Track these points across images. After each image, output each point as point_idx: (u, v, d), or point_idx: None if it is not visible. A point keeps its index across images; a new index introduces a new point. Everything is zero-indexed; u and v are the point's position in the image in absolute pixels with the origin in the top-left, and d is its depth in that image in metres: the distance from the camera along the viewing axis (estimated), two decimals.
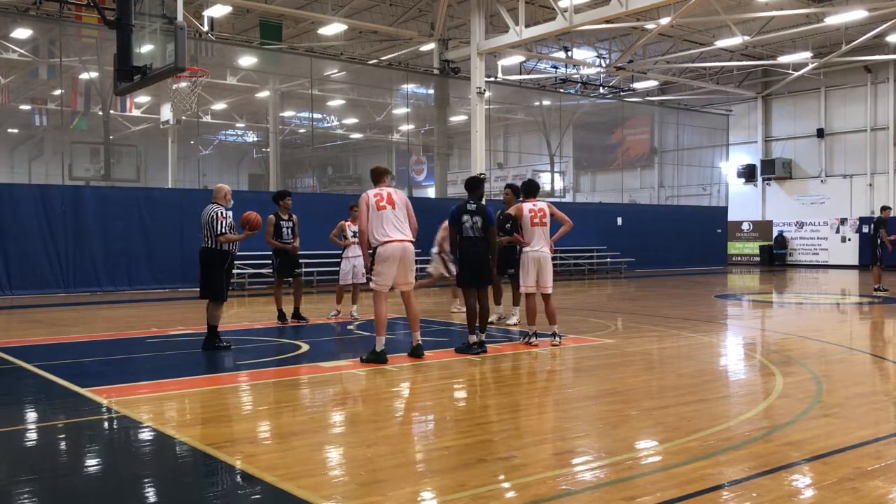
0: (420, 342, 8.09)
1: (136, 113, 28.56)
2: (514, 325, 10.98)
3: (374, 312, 7.93)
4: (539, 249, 8.98)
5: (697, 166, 32.68)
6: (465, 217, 8.47)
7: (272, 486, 4.05)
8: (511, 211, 9.17)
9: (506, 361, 8.23)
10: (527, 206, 9.09)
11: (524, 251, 9.10)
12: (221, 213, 8.70)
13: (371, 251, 7.92)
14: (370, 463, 4.48)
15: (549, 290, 9.07)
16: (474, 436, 5.10)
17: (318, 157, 35.27)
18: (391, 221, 7.85)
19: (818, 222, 30.48)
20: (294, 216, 11.30)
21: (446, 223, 11.91)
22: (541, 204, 9.16)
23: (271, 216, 11.09)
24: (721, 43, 25.01)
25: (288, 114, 30.45)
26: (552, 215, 9.17)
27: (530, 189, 9.40)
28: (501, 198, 11.23)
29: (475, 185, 8.84)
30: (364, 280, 11.97)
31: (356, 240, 11.73)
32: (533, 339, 9.03)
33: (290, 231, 11.17)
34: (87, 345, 9.67)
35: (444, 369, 7.62)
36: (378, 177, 8.16)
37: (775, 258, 31.35)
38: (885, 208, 17.85)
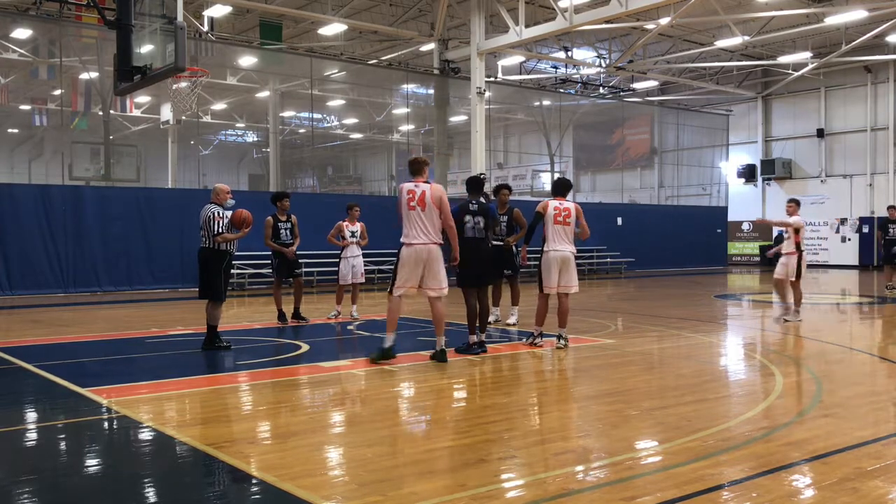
0: (444, 347, 7.89)
1: (136, 113, 28.58)
2: (514, 325, 10.97)
3: (388, 308, 7.82)
4: (561, 249, 8.85)
5: (697, 166, 32.68)
6: (468, 217, 8.45)
7: (272, 486, 4.05)
8: (538, 208, 9.07)
9: (506, 361, 8.23)
10: (553, 204, 8.90)
11: (546, 251, 8.90)
12: (218, 212, 8.69)
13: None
14: (370, 463, 4.48)
15: (571, 291, 8.92)
16: (474, 436, 5.10)
17: (318, 157, 35.27)
18: (417, 224, 7.70)
19: (818, 222, 30.47)
20: (293, 217, 11.28)
21: (799, 219, 11.83)
22: (568, 203, 8.99)
23: (269, 218, 11.07)
24: (721, 43, 25.01)
25: (288, 114, 30.46)
26: (577, 218, 9.05)
27: (559, 188, 9.25)
28: (500, 198, 11.07)
29: (478, 185, 8.82)
30: (363, 280, 12.01)
31: (354, 240, 11.74)
32: (538, 340, 9.01)
33: (288, 232, 11.15)
34: (87, 345, 9.67)
35: (444, 369, 7.61)
36: (415, 169, 7.92)
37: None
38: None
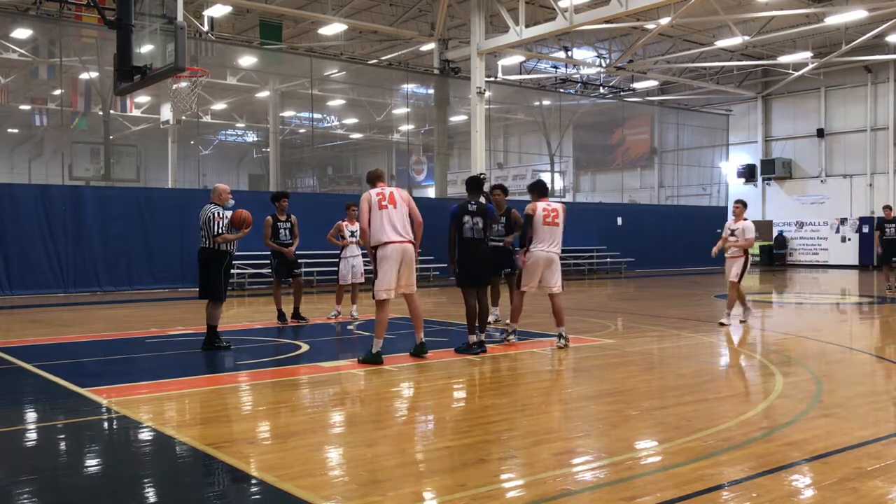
0: (423, 341, 8.11)
1: (136, 113, 28.58)
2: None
3: (376, 315, 7.92)
4: (548, 250, 8.87)
5: (697, 166, 32.68)
6: (466, 217, 8.47)
7: (272, 486, 4.05)
8: (527, 210, 9.10)
9: (506, 361, 8.23)
10: (541, 205, 8.95)
11: (531, 250, 8.92)
12: (218, 213, 8.70)
13: (372, 250, 7.92)
14: (370, 463, 4.48)
15: (556, 291, 8.95)
16: (474, 436, 5.10)
17: (318, 157, 35.27)
18: (391, 222, 7.82)
19: (818, 222, 30.48)
20: (293, 217, 11.28)
21: (748, 224, 10.99)
22: (555, 204, 9.06)
23: (268, 218, 11.08)
24: (721, 43, 25.01)
25: (288, 114, 30.46)
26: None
27: (543, 189, 9.27)
28: (494, 199, 11.05)
29: (478, 185, 8.83)
30: (363, 280, 11.99)
31: (353, 240, 11.73)
32: (512, 338, 9.10)
33: (287, 232, 11.15)
34: (86, 345, 9.67)
35: (444, 369, 7.62)
36: (374, 179, 8.16)
37: (775, 258, 31.35)
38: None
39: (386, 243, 7.78)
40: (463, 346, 8.44)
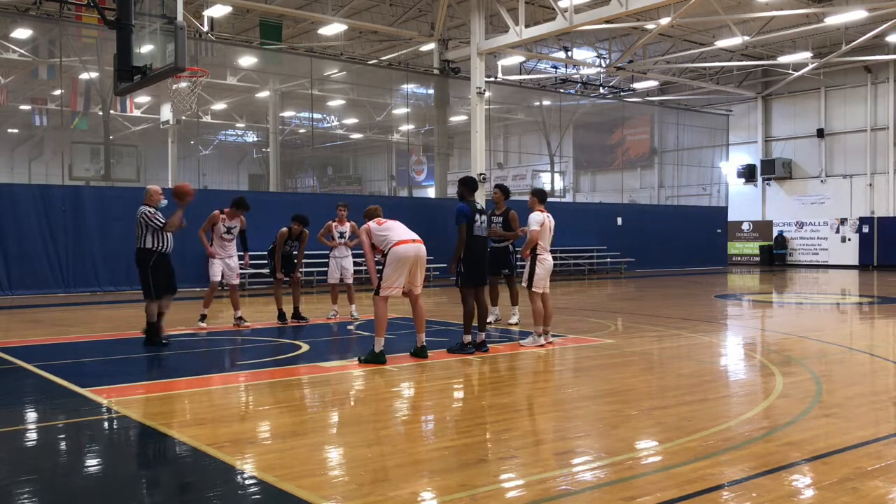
0: (424, 343, 8.13)
1: (136, 113, 28.59)
2: (516, 324, 10.97)
3: (375, 313, 7.92)
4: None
5: (697, 166, 32.69)
6: (477, 216, 8.51)
7: (272, 486, 4.05)
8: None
9: (505, 361, 8.23)
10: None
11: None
12: (151, 212, 8.88)
13: (381, 256, 7.95)
14: (370, 463, 4.48)
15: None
16: (474, 436, 5.10)
17: (318, 157, 35.26)
18: (400, 227, 8.05)
19: (818, 222, 30.49)
20: (305, 231, 11.23)
21: (539, 216, 9.07)
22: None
23: (284, 230, 11.13)
24: (721, 43, 25.02)
25: (288, 114, 30.47)
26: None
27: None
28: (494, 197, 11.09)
29: (476, 186, 8.86)
30: (351, 280, 11.96)
31: (343, 240, 11.74)
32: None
33: (292, 251, 11.36)
34: (87, 345, 9.66)
35: (443, 369, 7.61)
36: (372, 216, 8.43)
37: (775, 258, 31.36)
38: None
39: (400, 242, 7.83)
40: (456, 346, 8.44)
